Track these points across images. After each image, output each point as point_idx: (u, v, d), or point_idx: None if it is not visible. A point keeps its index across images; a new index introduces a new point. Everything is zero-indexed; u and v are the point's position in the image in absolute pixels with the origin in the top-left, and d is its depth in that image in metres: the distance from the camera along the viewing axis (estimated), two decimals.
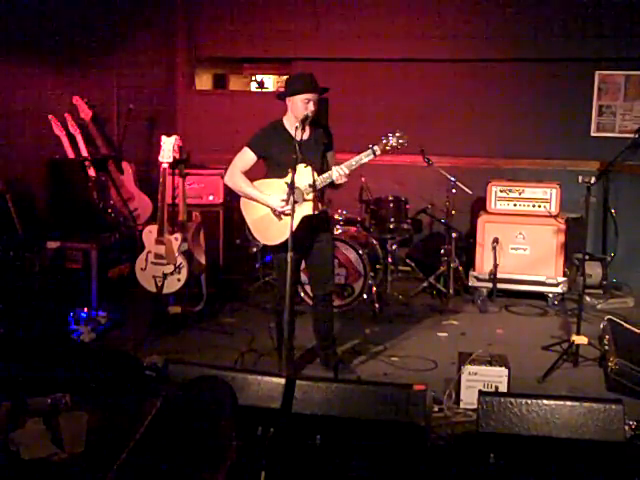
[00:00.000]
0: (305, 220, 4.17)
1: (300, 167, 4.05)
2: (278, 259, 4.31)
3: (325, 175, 4.15)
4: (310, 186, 4.13)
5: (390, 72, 7.21)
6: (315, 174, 4.14)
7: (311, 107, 4.13)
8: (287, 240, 3.88)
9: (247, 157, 4.29)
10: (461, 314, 5.92)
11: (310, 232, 4.31)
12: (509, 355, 4.18)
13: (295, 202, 3.93)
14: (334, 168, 4.14)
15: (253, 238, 4.46)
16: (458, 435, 3.65)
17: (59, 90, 6.50)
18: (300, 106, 4.14)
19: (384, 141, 4.10)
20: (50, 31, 6.22)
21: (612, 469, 3.00)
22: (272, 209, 4.24)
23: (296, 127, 4.06)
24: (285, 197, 4.11)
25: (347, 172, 4.11)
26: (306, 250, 4.37)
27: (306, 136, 4.21)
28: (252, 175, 4.36)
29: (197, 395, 2.87)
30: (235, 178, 4.31)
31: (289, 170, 3.98)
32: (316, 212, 4.20)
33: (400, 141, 4.10)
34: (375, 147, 4.10)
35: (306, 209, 4.17)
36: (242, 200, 4.36)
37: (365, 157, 4.12)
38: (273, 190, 4.22)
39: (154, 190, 5.52)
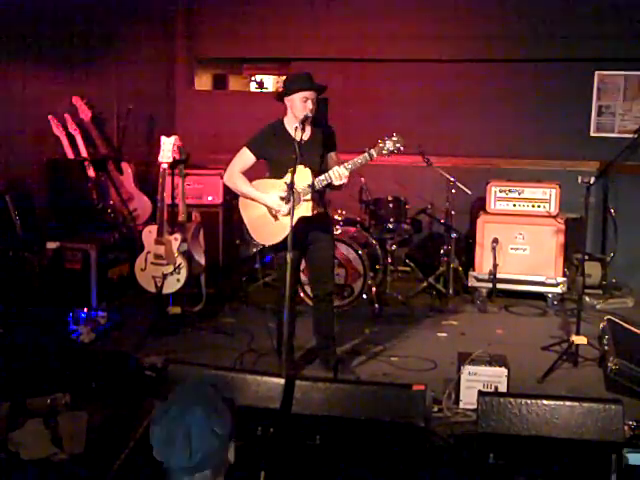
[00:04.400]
0: (302, 221, 4.16)
1: (299, 168, 4.04)
2: (278, 259, 4.33)
3: (322, 177, 4.14)
4: (309, 187, 4.13)
5: (390, 72, 7.21)
6: (312, 175, 4.12)
7: (309, 105, 4.13)
8: (283, 240, 3.93)
9: (246, 157, 4.33)
10: (461, 314, 5.92)
11: (310, 232, 4.31)
12: (509, 355, 4.18)
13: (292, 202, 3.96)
14: (333, 169, 4.13)
15: (250, 237, 4.46)
16: (458, 435, 3.65)
17: (59, 90, 6.49)
18: (299, 105, 4.15)
19: (380, 145, 4.11)
20: (50, 31, 6.21)
21: (610, 469, 3.01)
22: (268, 209, 4.26)
23: (296, 127, 4.05)
24: (283, 195, 4.12)
25: (346, 174, 4.11)
26: (304, 250, 4.38)
27: (307, 136, 4.21)
28: (253, 175, 4.38)
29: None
30: (234, 178, 4.35)
31: (288, 170, 4.00)
32: (313, 213, 4.19)
33: (397, 145, 4.11)
34: (372, 150, 4.11)
35: (303, 210, 4.16)
36: (240, 199, 4.41)
37: (361, 160, 4.11)
38: (271, 190, 4.23)
39: (154, 190, 5.52)
